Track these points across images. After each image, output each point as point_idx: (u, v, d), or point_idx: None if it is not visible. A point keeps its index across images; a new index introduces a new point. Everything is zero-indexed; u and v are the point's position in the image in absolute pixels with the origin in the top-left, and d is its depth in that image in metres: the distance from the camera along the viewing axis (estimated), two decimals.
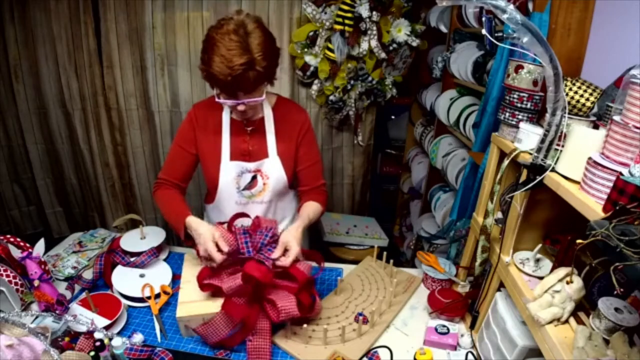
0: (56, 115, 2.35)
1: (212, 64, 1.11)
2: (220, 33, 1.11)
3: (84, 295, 1.23)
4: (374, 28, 2.03)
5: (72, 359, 0.97)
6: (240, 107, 1.21)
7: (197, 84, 2.24)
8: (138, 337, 1.16)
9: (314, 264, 1.27)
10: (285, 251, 1.20)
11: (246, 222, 1.35)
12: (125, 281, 1.33)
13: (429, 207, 2.26)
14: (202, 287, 1.20)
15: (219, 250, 1.19)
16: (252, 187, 1.38)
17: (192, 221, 1.26)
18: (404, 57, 2.22)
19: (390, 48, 2.12)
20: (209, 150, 1.36)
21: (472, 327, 1.21)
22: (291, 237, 1.21)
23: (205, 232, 1.20)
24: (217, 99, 1.22)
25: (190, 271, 1.29)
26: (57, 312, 1.10)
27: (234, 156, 1.35)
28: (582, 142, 0.81)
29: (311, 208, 1.37)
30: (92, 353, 1.00)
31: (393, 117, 3.17)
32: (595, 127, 0.93)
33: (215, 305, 1.17)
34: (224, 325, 1.13)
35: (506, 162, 1.00)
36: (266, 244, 1.23)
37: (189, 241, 1.29)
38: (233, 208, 1.39)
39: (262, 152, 1.36)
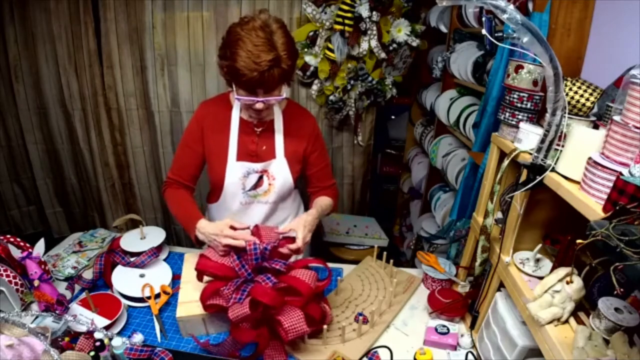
0: (56, 115, 2.35)
1: (237, 59, 1.10)
2: (247, 29, 1.11)
3: (84, 295, 1.22)
4: (374, 28, 2.03)
5: (72, 359, 0.97)
6: (259, 105, 1.20)
7: (197, 84, 2.24)
8: (138, 337, 1.16)
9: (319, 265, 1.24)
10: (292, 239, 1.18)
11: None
12: (125, 281, 1.33)
13: (429, 207, 2.26)
14: (206, 307, 1.14)
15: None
16: (257, 186, 1.38)
17: (204, 223, 1.24)
18: (404, 57, 2.22)
19: (390, 48, 2.12)
20: (216, 149, 1.35)
21: (472, 327, 1.21)
22: (298, 221, 1.21)
23: (215, 225, 1.19)
24: (236, 96, 1.20)
25: (190, 271, 1.28)
26: (57, 312, 1.10)
27: (240, 156, 1.34)
28: (582, 142, 0.81)
29: (323, 201, 1.40)
30: (92, 353, 1.00)
31: (393, 117, 3.17)
32: (595, 127, 0.93)
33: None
34: (233, 346, 1.10)
35: (506, 162, 1.00)
36: (267, 257, 1.17)
37: (200, 243, 1.27)
38: (238, 208, 1.39)
39: (269, 153, 1.36)
